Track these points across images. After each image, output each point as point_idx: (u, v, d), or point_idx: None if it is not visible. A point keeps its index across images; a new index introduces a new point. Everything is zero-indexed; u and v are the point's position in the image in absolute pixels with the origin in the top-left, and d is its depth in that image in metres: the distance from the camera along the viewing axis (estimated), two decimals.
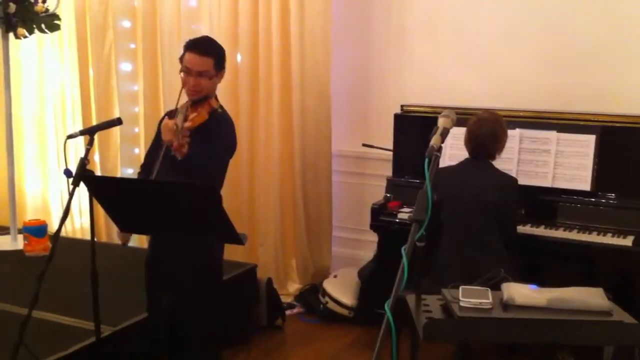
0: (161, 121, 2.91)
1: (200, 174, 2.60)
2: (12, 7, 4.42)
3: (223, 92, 4.10)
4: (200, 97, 2.78)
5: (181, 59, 2.80)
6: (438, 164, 1.89)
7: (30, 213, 5.15)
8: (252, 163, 4.40)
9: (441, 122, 2.00)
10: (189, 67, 2.75)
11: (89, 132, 2.81)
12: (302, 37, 4.18)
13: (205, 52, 2.76)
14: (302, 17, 4.17)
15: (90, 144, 2.78)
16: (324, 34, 4.17)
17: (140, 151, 4.78)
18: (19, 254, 4.38)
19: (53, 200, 5.25)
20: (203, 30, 4.44)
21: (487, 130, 3.12)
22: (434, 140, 1.89)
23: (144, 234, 2.76)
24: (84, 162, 2.68)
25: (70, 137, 2.85)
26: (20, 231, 4.55)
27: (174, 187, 2.43)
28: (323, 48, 4.19)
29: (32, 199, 5.27)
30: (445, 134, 1.95)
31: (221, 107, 2.88)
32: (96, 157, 4.90)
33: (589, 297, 2.14)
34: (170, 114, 2.78)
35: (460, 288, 2.16)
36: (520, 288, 2.20)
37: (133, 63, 4.80)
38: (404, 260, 1.64)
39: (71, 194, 2.68)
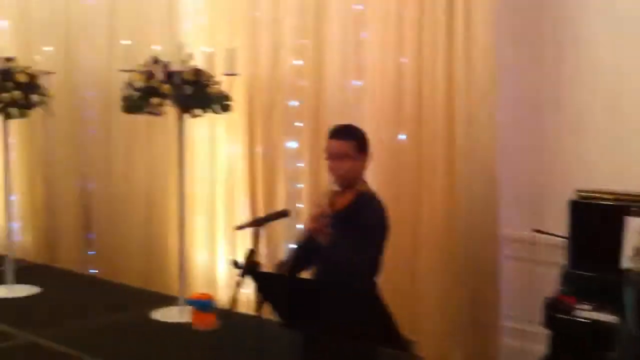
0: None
1: (348, 259, 2.59)
2: (189, 90, 4.69)
3: (385, 179, 4.09)
4: (347, 182, 2.85)
5: (325, 147, 2.91)
6: None
7: (198, 284, 5.32)
8: (415, 245, 4.29)
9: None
10: (331, 151, 2.88)
11: (258, 224, 2.85)
12: (467, 115, 4.08)
13: (345, 136, 2.91)
14: (469, 92, 4.07)
15: (257, 235, 2.82)
16: (489, 112, 4.03)
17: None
18: (186, 326, 4.54)
19: (220, 271, 5.38)
20: (365, 107, 4.47)
21: None
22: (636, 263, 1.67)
23: (307, 332, 2.74)
24: (251, 254, 2.71)
25: (239, 228, 2.91)
26: (187, 303, 4.72)
27: (331, 288, 2.40)
28: (488, 128, 4.04)
29: (200, 269, 5.45)
30: None
31: (369, 190, 2.91)
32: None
33: None
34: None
35: None
36: None
37: (298, 141, 4.90)
38: None
39: (238, 284, 2.72)
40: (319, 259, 2.71)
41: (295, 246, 2.97)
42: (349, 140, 2.89)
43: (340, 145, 2.87)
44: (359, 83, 4.58)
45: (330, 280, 2.61)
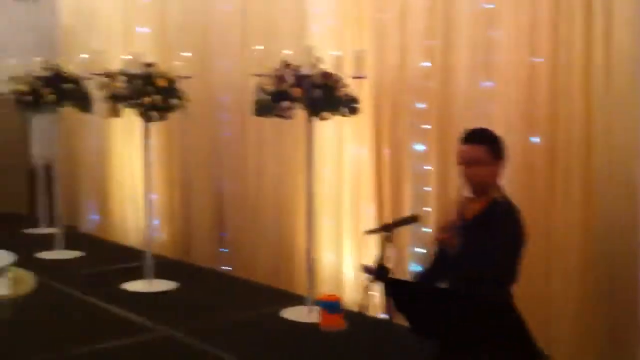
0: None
1: (480, 269, 2.53)
2: (318, 93, 4.77)
3: (516, 183, 3.98)
4: (480, 188, 2.80)
5: (457, 152, 2.86)
6: None
7: (325, 284, 5.37)
8: (549, 252, 4.14)
9: None
10: (464, 157, 2.80)
11: (388, 229, 2.86)
12: (607, 117, 3.89)
13: (479, 141, 2.85)
14: (608, 93, 3.87)
15: (387, 239, 2.83)
16: (631, 115, 3.82)
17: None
18: (314, 326, 4.61)
19: (346, 273, 5.41)
20: (496, 109, 4.37)
21: None
22: None
23: (436, 340, 2.72)
24: (382, 260, 2.73)
25: (369, 233, 2.95)
26: (316, 304, 4.80)
27: (463, 298, 2.37)
28: (630, 131, 3.83)
29: (326, 270, 5.50)
30: None
31: (504, 197, 2.83)
32: None
33: None
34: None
35: None
36: None
37: (426, 144, 4.85)
38: None
39: (368, 289, 2.75)
40: (451, 268, 2.68)
41: (428, 254, 2.96)
42: (483, 145, 2.82)
43: (473, 150, 2.82)
44: (489, 84, 4.48)
45: (463, 289, 2.57)
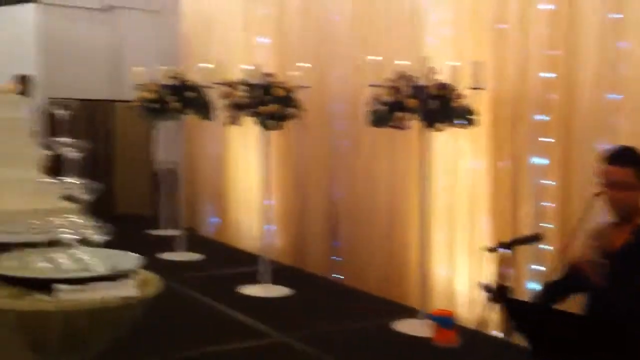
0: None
1: (629, 306, 2.39)
2: (434, 104, 4.74)
3: None
4: (625, 213, 2.63)
5: (600, 172, 2.70)
6: None
7: (436, 298, 5.30)
8: None
9: None
10: (610, 179, 2.64)
11: (510, 246, 2.80)
12: None
13: (627, 163, 2.66)
14: None
15: (508, 258, 2.77)
16: None
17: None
18: (426, 341, 4.58)
19: (459, 288, 5.32)
20: (622, 126, 4.18)
21: None
22: None
23: None
24: (501, 278, 2.68)
25: (490, 250, 2.89)
26: (429, 318, 4.76)
27: (599, 328, 2.26)
28: None
29: (438, 284, 5.43)
30: None
31: None
32: None
33: None
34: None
35: None
36: None
37: (548, 157, 4.71)
38: None
39: (487, 307, 2.69)
40: (592, 298, 2.54)
41: (554, 276, 2.85)
42: (632, 168, 2.63)
43: (620, 172, 2.63)
44: (616, 97, 4.30)
45: (601, 319, 2.43)
